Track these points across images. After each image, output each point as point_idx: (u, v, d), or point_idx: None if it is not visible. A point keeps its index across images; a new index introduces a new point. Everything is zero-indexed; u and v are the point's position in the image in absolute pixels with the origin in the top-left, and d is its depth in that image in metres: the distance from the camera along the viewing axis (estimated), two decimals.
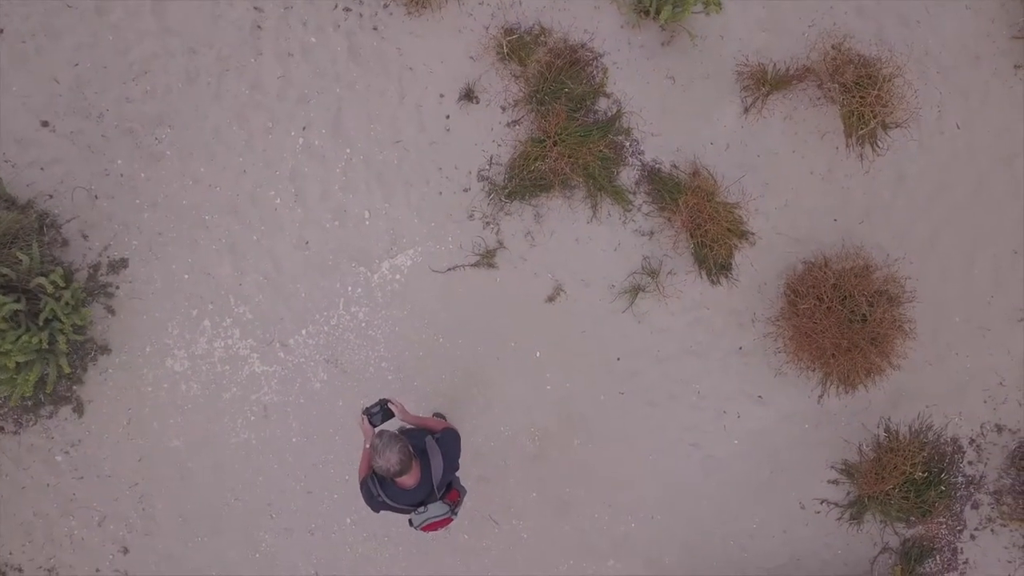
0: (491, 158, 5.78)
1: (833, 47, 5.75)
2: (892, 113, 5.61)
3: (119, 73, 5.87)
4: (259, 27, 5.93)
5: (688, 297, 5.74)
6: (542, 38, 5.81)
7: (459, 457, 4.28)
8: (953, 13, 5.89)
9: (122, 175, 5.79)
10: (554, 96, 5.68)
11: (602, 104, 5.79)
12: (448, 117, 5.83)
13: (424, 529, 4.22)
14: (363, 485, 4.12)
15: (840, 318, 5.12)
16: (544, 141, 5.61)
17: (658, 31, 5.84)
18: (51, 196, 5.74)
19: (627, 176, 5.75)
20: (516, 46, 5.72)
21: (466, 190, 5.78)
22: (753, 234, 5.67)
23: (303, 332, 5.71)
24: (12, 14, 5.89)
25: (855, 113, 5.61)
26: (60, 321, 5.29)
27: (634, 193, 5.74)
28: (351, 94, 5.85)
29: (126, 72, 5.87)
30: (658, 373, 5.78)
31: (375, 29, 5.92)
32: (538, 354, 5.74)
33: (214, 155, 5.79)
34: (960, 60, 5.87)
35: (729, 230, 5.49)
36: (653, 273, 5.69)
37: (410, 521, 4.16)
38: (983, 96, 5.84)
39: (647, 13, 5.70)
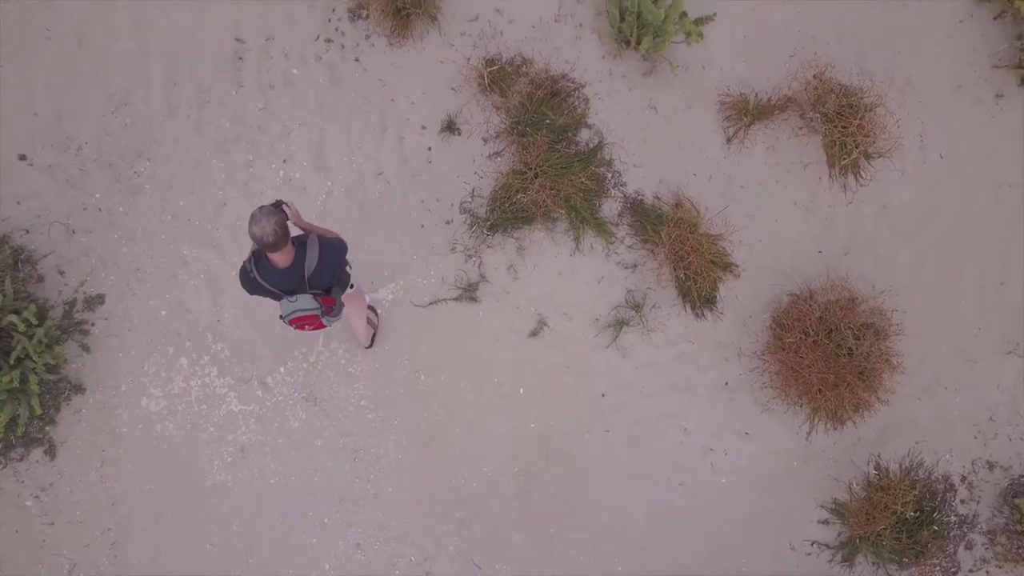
0: (473, 190, 5.73)
1: (815, 76, 5.74)
2: (874, 143, 5.60)
3: (99, 105, 5.82)
4: (240, 58, 5.90)
5: (673, 331, 5.67)
6: (523, 69, 5.78)
7: (342, 264, 4.37)
8: (934, 42, 5.90)
9: (100, 209, 5.72)
10: (536, 127, 5.64)
11: (584, 135, 5.75)
12: (430, 149, 5.79)
13: (295, 325, 4.29)
14: (241, 267, 4.18)
15: (826, 352, 5.06)
16: (526, 173, 5.57)
17: (640, 61, 5.82)
18: (27, 231, 5.66)
19: (609, 208, 5.70)
20: (497, 77, 5.69)
21: (448, 222, 5.72)
22: (737, 266, 5.62)
23: (281, 369, 5.60)
24: None
25: (837, 143, 5.59)
26: (32, 360, 5.18)
27: (617, 225, 5.69)
28: (333, 126, 5.81)
29: (106, 104, 5.83)
30: (644, 409, 5.69)
31: (357, 60, 5.89)
32: (522, 391, 5.65)
33: (194, 188, 5.73)
34: (941, 89, 5.86)
35: (713, 262, 5.44)
36: (637, 307, 5.63)
37: (281, 315, 4.24)
38: (965, 125, 5.84)
39: (628, 43, 5.69)
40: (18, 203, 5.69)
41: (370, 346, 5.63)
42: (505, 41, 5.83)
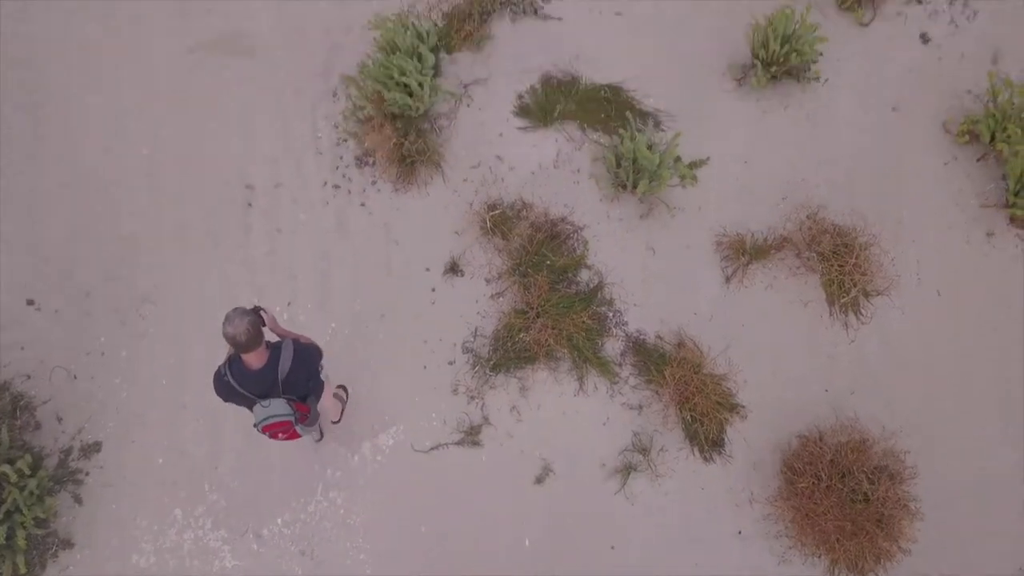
0: (475, 330, 5.74)
1: (808, 217, 5.90)
2: (872, 281, 5.68)
3: (110, 250, 5.95)
4: (250, 204, 6.08)
5: (682, 475, 5.51)
6: (524, 212, 5.94)
7: (316, 369, 4.31)
8: (921, 184, 6.08)
9: (103, 353, 5.72)
10: (537, 268, 5.73)
11: (584, 275, 5.83)
12: (433, 290, 5.85)
13: (268, 433, 4.21)
14: (216, 372, 4.12)
15: (841, 497, 4.90)
16: (528, 312, 5.61)
17: (637, 204, 5.98)
18: (29, 377, 5.64)
19: (612, 347, 5.70)
20: (499, 220, 5.84)
21: (450, 363, 5.70)
22: (743, 407, 5.54)
23: (278, 521, 5.41)
24: (12, 192, 6.03)
25: (836, 281, 5.67)
26: (22, 513, 5.02)
27: (620, 365, 5.67)
28: (337, 268, 5.91)
29: (117, 248, 5.95)
30: (655, 561, 5.42)
31: (363, 205, 6.06)
32: (527, 542, 5.41)
33: (198, 331, 5.75)
34: (933, 228, 5.99)
35: (719, 403, 5.38)
36: (644, 450, 5.50)
37: (254, 423, 4.16)
38: (960, 262, 5.92)
39: (625, 187, 5.86)
40: (22, 348, 5.70)
41: (338, 421, 5.44)
42: (506, 186, 6.01)
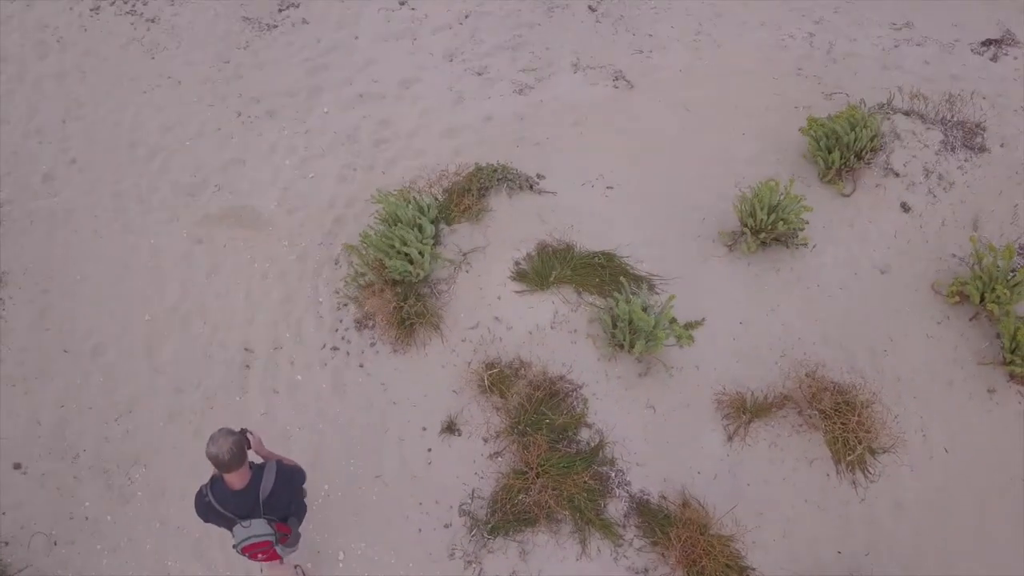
0: (473, 491, 5.57)
1: (807, 375, 5.91)
2: (877, 438, 5.59)
3: (103, 413, 5.94)
4: (248, 366, 6.13)
5: None
6: (522, 371, 5.96)
7: (299, 491, 4.36)
8: (915, 342, 6.15)
9: (87, 518, 5.55)
10: (536, 427, 5.66)
11: (584, 434, 5.74)
12: (430, 450, 5.75)
13: (247, 554, 4.19)
14: (197, 491, 4.14)
15: None
16: (527, 473, 5.47)
17: (635, 362, 6.02)
18: (7, 543, 5.42)
19: (615, 508, 5.49)
20: (497, 379, 5.85)
21: (447, 526, 5.47)
22: (754, 569, 5.24)
23: None
24: (7, 359, 6.12)
25: (840, 439, 5.57)
26: None
27: (624, 526, 5.43)
28: (332, 428, 5.86)
29: (109, 411, 5.95)
30: None
31: (361, 366, 6.11)
32: None
33: (186, 494, 5.56)
34: (933, 386, 5.97)
35: (727, 566, 5.09)
36: None
37: (234, 544, 4.13)
38: (964, 420, 5.84)
39: (622, 346, 5.93)
40: (3, 513, 5.52)
41: None
42: (504, 346, 6.09)
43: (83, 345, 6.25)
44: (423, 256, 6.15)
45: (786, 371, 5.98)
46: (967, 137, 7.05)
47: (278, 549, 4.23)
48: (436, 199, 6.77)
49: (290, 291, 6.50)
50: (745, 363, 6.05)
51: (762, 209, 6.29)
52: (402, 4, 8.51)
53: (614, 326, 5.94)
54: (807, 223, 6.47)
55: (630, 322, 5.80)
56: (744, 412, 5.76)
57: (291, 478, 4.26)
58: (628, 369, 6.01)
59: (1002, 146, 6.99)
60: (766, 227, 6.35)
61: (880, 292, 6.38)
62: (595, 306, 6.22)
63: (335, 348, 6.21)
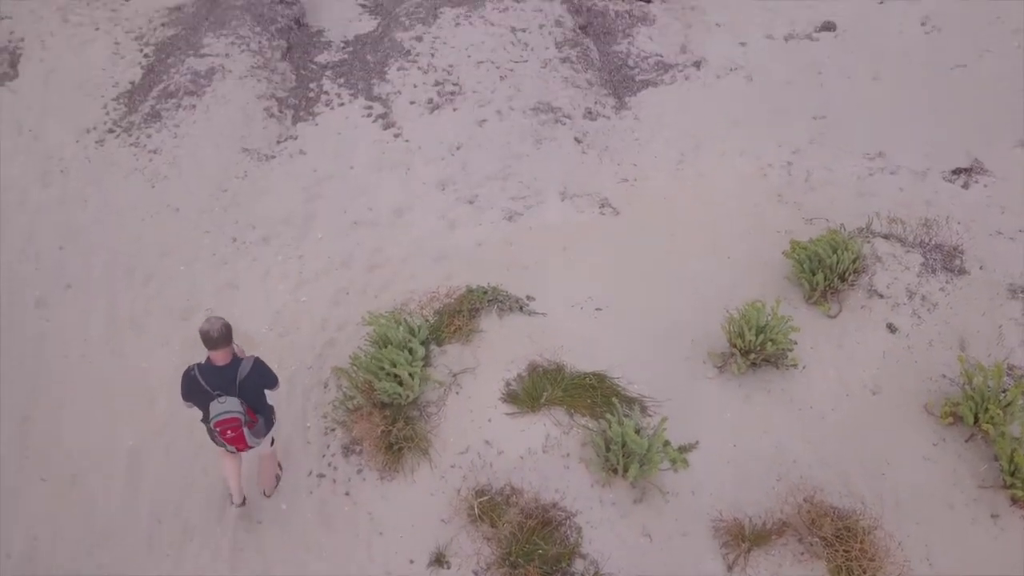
0: None
1: (805, 500, 5.75)
2: (882, 567, 5.37)
3: (77, 543, 5.70)
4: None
5: None
6: (513, 498, 5.79)
7: (270, 381, 5.13)
8: (913, 464, 6.03)
9: None
10: (528, 558, 5.44)
11: (579, 566, 5.50)
12: None
13: (219, 430, 4.87)
14: (185, 370, 4.93)
15: None
16: None
17: (629, 488, 5.86)
18: None
19: None
20: (487, 507, 5.68)
21: None
22: None
23: None
24: None
25: (844, 568, 5.37)
26: None
27: None
28: (316, 562, 5.62)
29: (84, 542, 5.71)
30: None
31: (347, 494, 5.94)
32: None
33: None
34: (935, 510, 5.81)
35: None
36: None
37: (208, 425, 4.90)
38: (969, 546, 5.63)
39: (616, 471, 5.79)
40: None
41: (270, 496, 5.91)
42: (495, 472, 5.94)
43: (62, 470, 6.07)
44: (413, 378, 6.11)
45: (783, 495, 5.83)
46: (946, 260, 7.22)
47: (245, 433, 4.90)
48: (427, 320, 6.81)
49: (278, 415, 6.38)
50: (741, 487, 5.90)
51: (750, 330, 6.34)
52: (396, 137, 8.88)
53: (607, 449, 5.83)
54: (795, 344, 6.50)
55: (623, 445, 5.70)
56: (743, 540, 5.56)
57: (265, 373, 5.05)
58: (623, 495, 5.85)
59: (981, 268, 7.15)
60: (755, 348, 6.37)
61: (872, 413, 6.33)
62: (587, 428, 6.13)
63: (321, 475, 6.04)
